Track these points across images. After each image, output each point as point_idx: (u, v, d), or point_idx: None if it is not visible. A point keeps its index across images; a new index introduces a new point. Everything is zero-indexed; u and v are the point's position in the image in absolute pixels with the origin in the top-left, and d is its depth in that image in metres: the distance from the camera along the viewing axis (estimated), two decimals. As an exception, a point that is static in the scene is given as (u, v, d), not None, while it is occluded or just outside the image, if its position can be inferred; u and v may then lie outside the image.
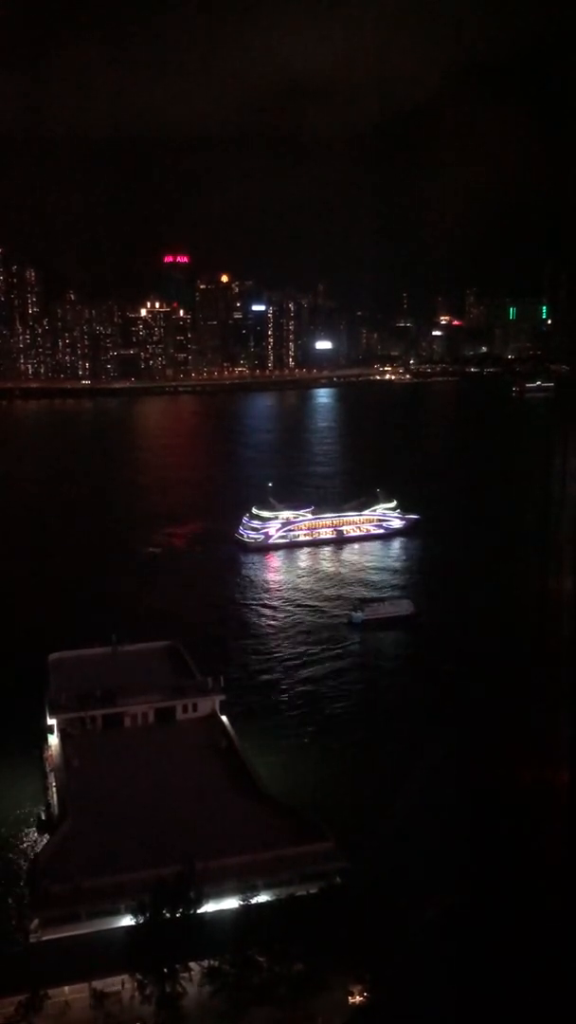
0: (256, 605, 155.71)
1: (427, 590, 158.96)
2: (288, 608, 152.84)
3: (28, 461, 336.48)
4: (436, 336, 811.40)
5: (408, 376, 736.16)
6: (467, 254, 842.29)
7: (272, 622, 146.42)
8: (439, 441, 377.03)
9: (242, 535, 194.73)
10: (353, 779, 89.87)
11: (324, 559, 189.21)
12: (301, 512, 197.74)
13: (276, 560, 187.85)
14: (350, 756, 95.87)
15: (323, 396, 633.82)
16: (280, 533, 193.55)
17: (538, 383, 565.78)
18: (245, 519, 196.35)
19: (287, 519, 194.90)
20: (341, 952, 58.15)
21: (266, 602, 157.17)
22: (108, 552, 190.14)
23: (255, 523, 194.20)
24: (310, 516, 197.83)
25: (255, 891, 63.56)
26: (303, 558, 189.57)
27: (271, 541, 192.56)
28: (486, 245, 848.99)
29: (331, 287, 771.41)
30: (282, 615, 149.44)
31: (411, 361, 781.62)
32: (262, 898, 63.37)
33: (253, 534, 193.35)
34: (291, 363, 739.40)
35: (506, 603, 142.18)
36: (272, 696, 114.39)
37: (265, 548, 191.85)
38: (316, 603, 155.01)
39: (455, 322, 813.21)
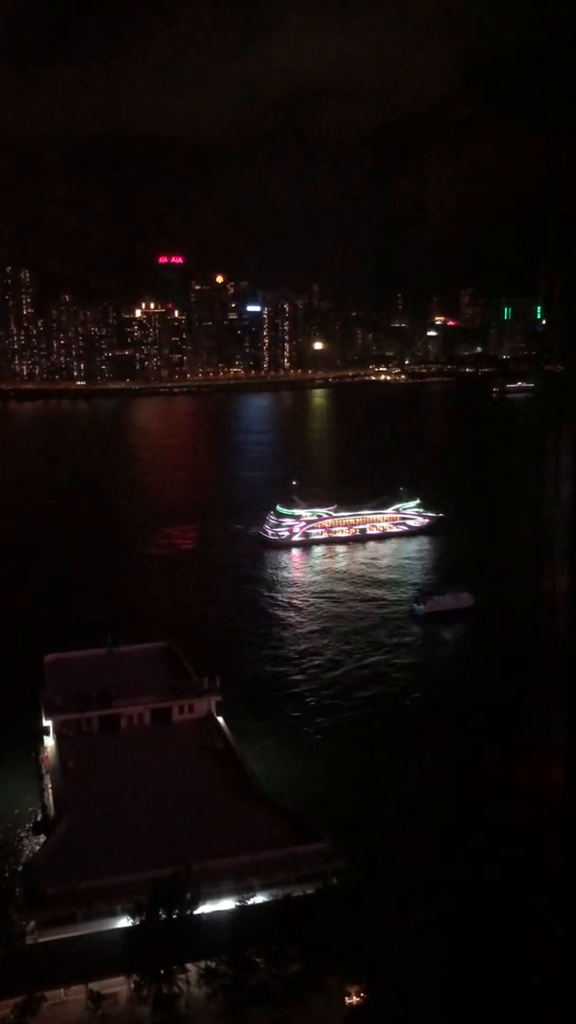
0: (309, 599, 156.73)
1: (471, 584, 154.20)
2: (343, 601, 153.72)
3: (28, 462, 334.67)
4: (431, 336, 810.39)
5: (403, 376, 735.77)
6: (462, 254, 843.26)
7: (331, 616, 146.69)
8: (427, 441, 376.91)
9: (265, 532, 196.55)
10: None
11: (353, 556, 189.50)
12: (324, 510, 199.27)
13: (304, 557, 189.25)
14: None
15: (319, 397, 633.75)
16: (304, 531, 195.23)
17: (519, 383, 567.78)
18: (269, 516, 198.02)
19: (311, 517, 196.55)
20: (338, 953, 58.16)
21: (317, 596, 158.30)
22: (121, 551, 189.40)
23: (279, 520, 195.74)
24: (333, 514, 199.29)
25: (251, 892, 63.56)
26: (331, 555, 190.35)
27: (295, 538, 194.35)
28: (481, 245, 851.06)
29: (326, 288, 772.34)
30: (338, 608, 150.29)
31: (406, 361, 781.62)
32: (258, 899, 63.39)
33: (277, 531, 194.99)
34: (286, 364, 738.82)
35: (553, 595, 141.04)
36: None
37: (289, 545, 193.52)
38: (366, 597, 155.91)
39: (450, 322, 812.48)
